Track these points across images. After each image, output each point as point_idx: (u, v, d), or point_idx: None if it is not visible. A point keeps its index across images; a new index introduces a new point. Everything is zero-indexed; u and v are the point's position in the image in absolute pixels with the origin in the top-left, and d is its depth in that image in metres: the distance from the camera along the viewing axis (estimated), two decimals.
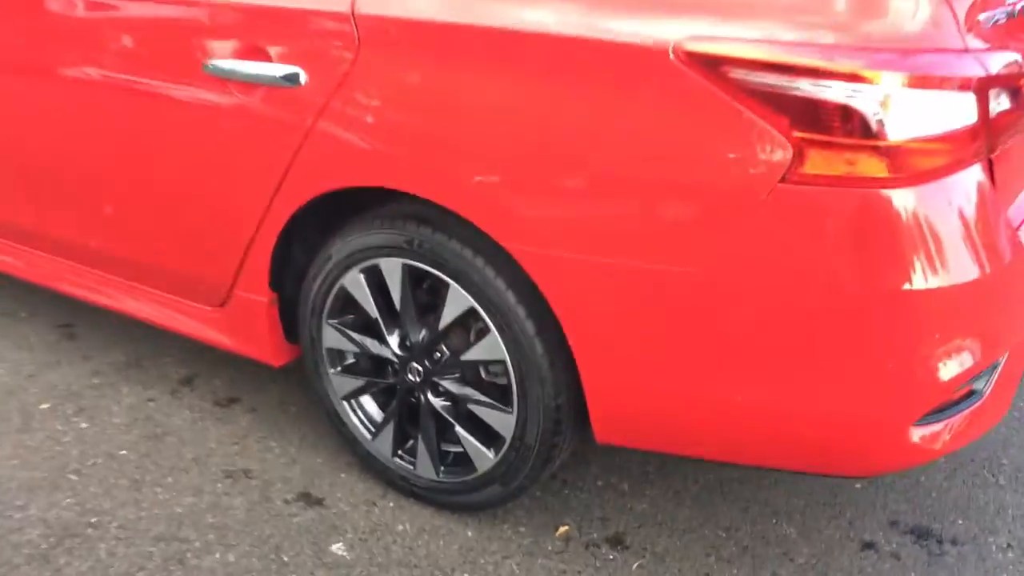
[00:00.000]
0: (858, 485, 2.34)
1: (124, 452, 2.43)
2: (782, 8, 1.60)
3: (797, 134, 1.55)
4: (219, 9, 2.07)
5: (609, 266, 1.74)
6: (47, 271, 2.76)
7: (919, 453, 1.75)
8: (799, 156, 1.56)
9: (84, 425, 2.54)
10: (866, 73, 1.52)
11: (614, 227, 1.72)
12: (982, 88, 1.59)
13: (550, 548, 2.13)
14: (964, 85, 1.57)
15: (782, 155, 1.56)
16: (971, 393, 1.79)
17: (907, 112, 1.54)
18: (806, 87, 1.54)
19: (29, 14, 2.40)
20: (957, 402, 1.77)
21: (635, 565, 2.09)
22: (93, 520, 2.18)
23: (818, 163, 1.56)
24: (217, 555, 2.08)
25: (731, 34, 1.58)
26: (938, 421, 1.75)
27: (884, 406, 1.68)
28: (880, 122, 1.53)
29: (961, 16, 1.59)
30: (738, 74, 1.57)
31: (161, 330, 2.57)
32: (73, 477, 2.33)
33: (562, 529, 2.19)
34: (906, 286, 1.59)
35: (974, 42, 1.60)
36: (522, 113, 1.76)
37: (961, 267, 1.63)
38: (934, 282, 1.60)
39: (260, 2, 2.01)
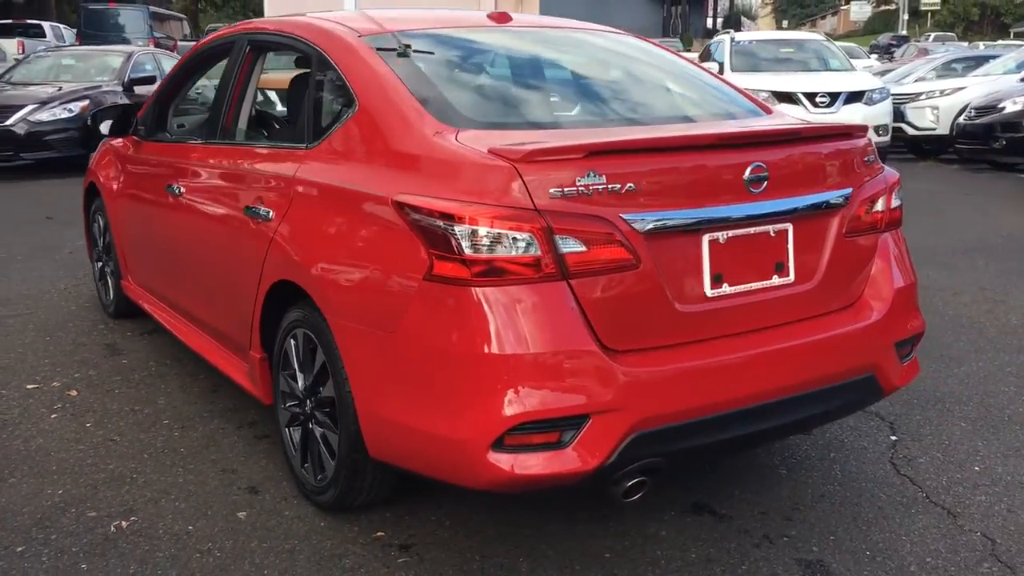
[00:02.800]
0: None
1: None
2: (438, 176, 2.67)
3: (431, 250, 2.59)
4: (249, 176, 3.55)
5: (361, 331, 2.83)
6: (179, 328, 4.37)
7: (504, 475, 2.55)
8: (431, 264, 2.59)
9: None
10: (457, 216, 2.54)
11: (360, 305, 2.83)
12: (541, 232, 2.51)
13: (361, 542, 3.09)
14: (521, 228, 2.51)
15: (425, 263, 2.60)
16: (558, 441, 2.56)
17: (481, 241, 2.51)
18: (434, 223, 2.59)
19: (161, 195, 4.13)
20: (544, 445, 2.55)
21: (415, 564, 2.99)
22: None
23: (438, 268, 2.58)
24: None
25: (411, 192, 2.68)
26: (522, 453, 2.55)
27: (464, 430, 2.55)
28: (461, 246, 2.52)
29: (536, 187, 2.54)
30: (409, 214, 2.66)
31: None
32: None
33: (378, 534, 3.14)
34: (481, 347, 2.51)
35: (544, 202, 2.53)
36: (325, 234, 2.97)
37: (516, 342, 2.50)
38: (494, 347, 2.50)
39: (261, 170, 3.46)
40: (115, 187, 5.12)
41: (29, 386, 4.52)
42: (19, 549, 3.05)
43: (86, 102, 11.67)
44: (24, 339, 5.24)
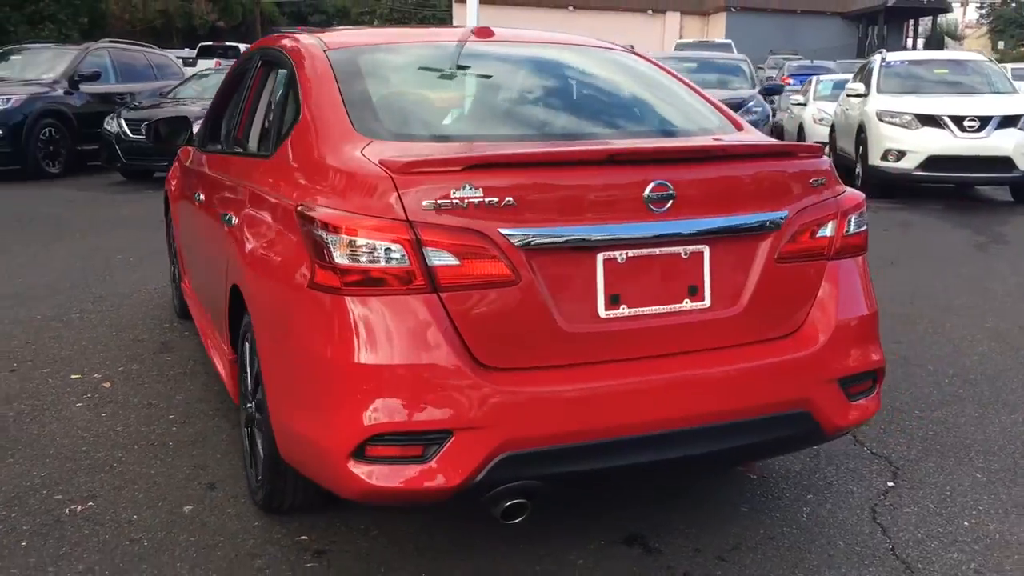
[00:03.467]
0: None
1: None
2: (337, 186, 2.70)
3: (314, 259, 2.63)
4: (226, 184, 3.70)
5: (271, 336, 2.91)
6: (200, 327, 4.58)
7: (365, 486, 2.54)
8: (313, 272, 2.62)
9: None
10: (332, 226, 2.56)
11: (271, 312, 2.90)
12: (410, 244, 2.49)
13: (281, 544, 3.15)
14: (391, 239, 2.50)
15: (309, 271, 2.64)
16: (420, 456, 2.53)
17: (352, 251, 2.52)
18: (316, 232, 2.62)
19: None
20: (405, 458, 2.53)
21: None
22: None
23: (318, 275, 2.61)
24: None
25: (313, 201, 2.72)
26: (383, 465, 2.53)
27: (329, 438, 2.56)
28: (334, 255, 2.54)
29: (411, 199, 2.53)
30: (303, 223, 2.70)
31: None
32: None
33: (301, 538, 3.19)
34: (345, 356, 2.52)
35: (417, 214, 2.51)
36: (256, 242, 3.06)
37: (380, 353, 2.50)
38: (357, 357, 2.51)
39: (234, 178, 3.59)
40: (175, 194, 5.44)
41: (73, 376, 4.85)
42: None
43: None
44: (94, 333, 5.62)
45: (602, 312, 2.68)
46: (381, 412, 2.51)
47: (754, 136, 3.33)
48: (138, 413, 4.33)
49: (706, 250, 2.78)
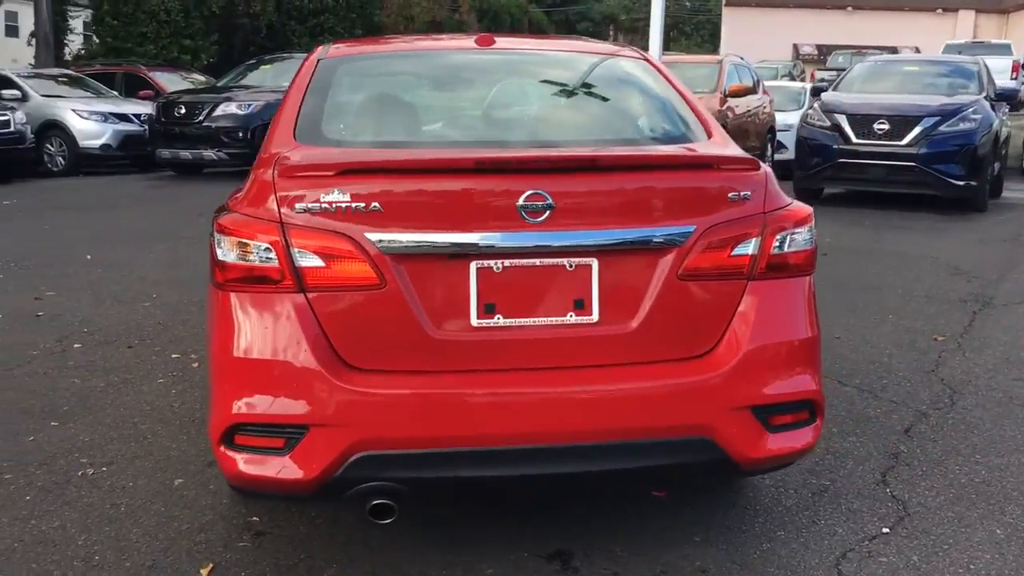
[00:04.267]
0: None
1: None
2: (249, 188, 2.84)
3: (211, 257, 2.81)
4: None
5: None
6: None
7: (234, 472, 2.67)
8: (213, 270, 2.80)
9: None
10: (218, 226, 2.72)
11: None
12: (280, 244, 2.61)
13: (230, 521, 3.36)
14: (263, 240, 2.62)
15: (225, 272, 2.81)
16: (281, 448, 2.63)
17: (232, 250, 2.67)
18: (213, 232, 2.79)
19: None
20: (266, 449, 2.65)
21: None
22: None
23: (213, 272, 2.78)
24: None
25: (225, 205, 2.90)
26: (247, 453, 2.66)
27: (210, 425, 2.72)
28: (218, 253, 2.71)
29: (285, 201, 2.63)
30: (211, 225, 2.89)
31: None
32: None
33: (253, 519, 3.38)
34: (222, 349, 2.69)
35: (289, 216, 2.62)
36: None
37: (249, 347, 2.63)
38: (230, 350, 2.66)
39: None
40: None
41: (173, 355, 5.34)
42: (7, 476, 3.74)
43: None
44: None
45: (475, 321, 2.67)
46: (245, 403, 2.65)
47: (704, 147, 3.12)
48: (201, 393, 4.71)
49: (595, 263, 2.69)
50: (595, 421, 2.65)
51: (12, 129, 13.72)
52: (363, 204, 2.61)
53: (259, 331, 2.66)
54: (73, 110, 15.50)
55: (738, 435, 2.73)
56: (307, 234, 2.62)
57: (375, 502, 2.69)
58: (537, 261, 2.68)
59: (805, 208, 2.92)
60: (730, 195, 2.77)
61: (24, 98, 15.53)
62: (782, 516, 3.41)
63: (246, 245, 2.66)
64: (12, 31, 37.02)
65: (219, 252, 2.71)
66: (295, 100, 3.28)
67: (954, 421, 4.34)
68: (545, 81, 3.68)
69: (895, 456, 3.94)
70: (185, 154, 13.96)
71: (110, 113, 15.74)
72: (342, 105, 3.37)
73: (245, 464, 2.67)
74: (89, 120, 15.44)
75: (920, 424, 4.30)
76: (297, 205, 2.64)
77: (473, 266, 2.66)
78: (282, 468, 2.64)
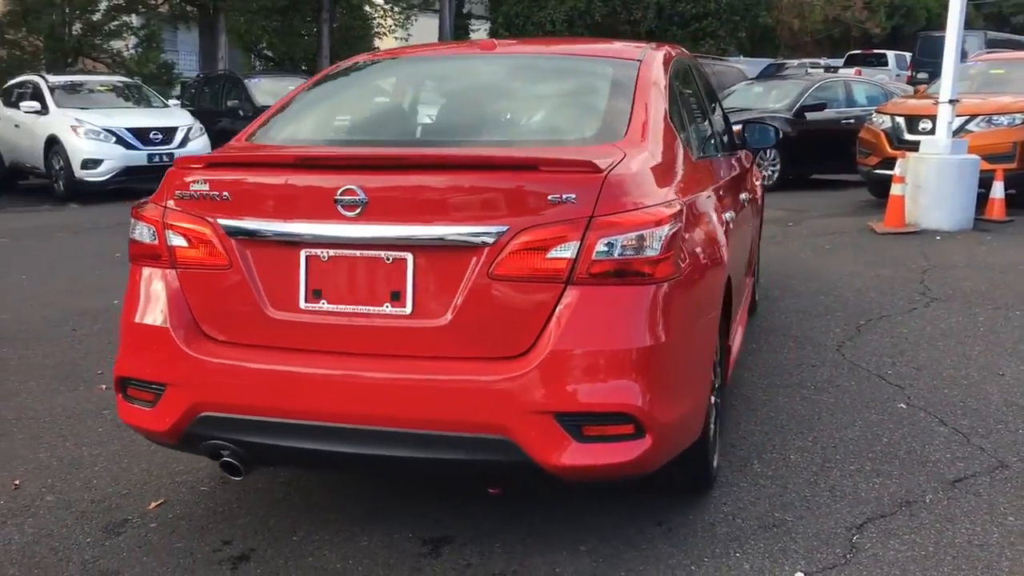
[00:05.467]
0: None
1: None
2: None
3: None
4: None
5: None
6: None
7: (123, 419, 3.13)
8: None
9: None
10: (132, 211, 3.20)
11: None
12: (159, 226, 3.03)
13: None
14: (149, 223, 3.05)
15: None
16: (151, 401, 3.03)
17: (135, 230, 3.13)
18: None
19: None
20: (142, 401, 3.06)
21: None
22: None
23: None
24: None
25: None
26: (131, 404, 3.11)
27: (114, 373, 3.20)
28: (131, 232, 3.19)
29: (170, 189, 3.03)
30: None
31: None
32: None
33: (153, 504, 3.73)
34: (122, 314, 3.16)
35: (171, 202, 3.02)
36: None
37: (132, 313, 3.08)
38: (124, 315, 3.12)
39: None
40: None
41: None
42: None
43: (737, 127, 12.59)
44: None
45: (303, 304, 2.89)
46: (129, 361, 3.10)
47: (584, 151, 3.02)
48: None
49: (409, 258, 2.80)
50: (400, 409, 2.76)
51: None
52: (217, 193, 2.95)
53: (144, 299, 3.09)
54: (72, 126, 13.01)
55: (539, 440, 2.69)
56: (178, 218, 3.01)
57: (224, 459, 3.01)
58: (358, 252, 2.84)
59: (652, 214, 2.77)
60: (550, 197, 2.72)
61: (44, 110, 13.71)
62: (708, 538, 3.21)
63: (141, 227, 3.11)
64: None
65: (131, 232, 3.18)
66: (277, 106, 3.69)
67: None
68: (497, 85, 3.77)
69: None
70: None
71: (117, 130, 12.98)
72: (297, 109, 3.69)
73: (130, 413, 3.13)
74: (86, 139, 12.91)
75: None
76: (176, 193, 3.04)
77: (303, 254, 2.88)
78: (151, 419, 3.05)
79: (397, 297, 2.82)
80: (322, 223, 2.85)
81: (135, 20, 22.95)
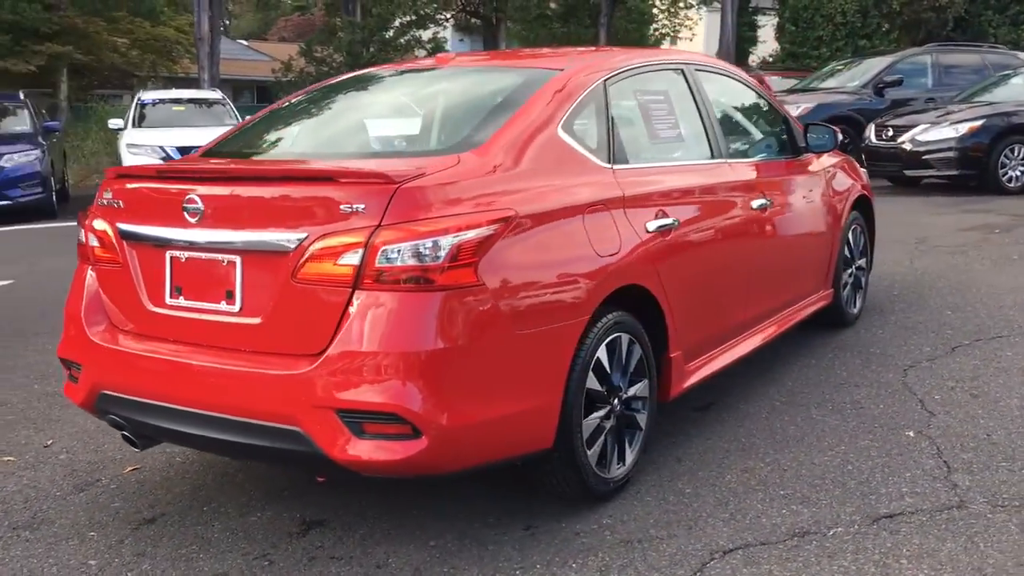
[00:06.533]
0: None
1: None
2: None
3: None
4: None
5: None
6: None
7: (66, 394, 3.65)
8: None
9: None
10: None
11: None
12: (85, 229, 3.52)
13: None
14: (83, 226, 3.55)
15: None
16: (74, 377, 3.53)
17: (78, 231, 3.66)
18: None
19: None
20: (70, 377, 3.56)
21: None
22: None
23: None
24: None
25: None
26: (67, 381, 3.63)
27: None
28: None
29: (100, 196, 3.52)
30: None
31: None
32: None
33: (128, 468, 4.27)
34: (68, 300, 3.71)
35: (98, 207, 3.50)
36: None
37: (67, 301, 3.60)
38: (67, 302, 3.66)
39: None
40: None
41: None
42: None
43: (976, 123, 11.51)
44: None
45: (168, 299, 3.27)
46: (63, 343, 3.62)
47: (401, 164, 3.16)
48: None
49: (238, 260, 3.08)
50: (225, 397, 3.05)
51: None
52: (117, 201, 3.40)
53: (75, 290, 3.60)
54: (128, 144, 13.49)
55: (325, 433, 2.88)
56: (93, 221, 3.50)
57: (123, 432, 3.46)
58: (203, 255, 3.16)
59: (441, 224, 2.86)
60: (342, 207, 2.89)
61: (123, 128, 14.63)
62: (617, 541, 3.22)
63: (79, 230, 3.63)
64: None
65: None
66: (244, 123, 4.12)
67: None
68: (395, 101, 4.04)
69: None
70: None
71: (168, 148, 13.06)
72: (245, 126, 4.08)
73: (67, 389, 3.65)
74: (133, 156, 13.11)
75: None
76: (97, 200, 3.53)
77: (168, 255, 3.25)
78: (74, 392, 3.56)
79: (231, 296, 3.12)
80: (176, 228, 3.21)
81: (424, 35, 24.74)
